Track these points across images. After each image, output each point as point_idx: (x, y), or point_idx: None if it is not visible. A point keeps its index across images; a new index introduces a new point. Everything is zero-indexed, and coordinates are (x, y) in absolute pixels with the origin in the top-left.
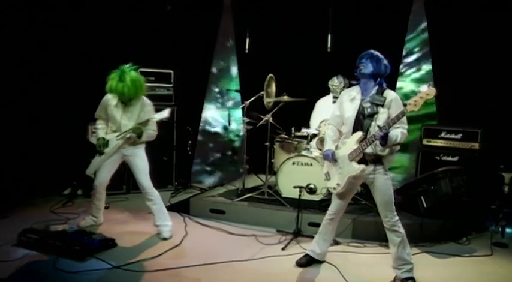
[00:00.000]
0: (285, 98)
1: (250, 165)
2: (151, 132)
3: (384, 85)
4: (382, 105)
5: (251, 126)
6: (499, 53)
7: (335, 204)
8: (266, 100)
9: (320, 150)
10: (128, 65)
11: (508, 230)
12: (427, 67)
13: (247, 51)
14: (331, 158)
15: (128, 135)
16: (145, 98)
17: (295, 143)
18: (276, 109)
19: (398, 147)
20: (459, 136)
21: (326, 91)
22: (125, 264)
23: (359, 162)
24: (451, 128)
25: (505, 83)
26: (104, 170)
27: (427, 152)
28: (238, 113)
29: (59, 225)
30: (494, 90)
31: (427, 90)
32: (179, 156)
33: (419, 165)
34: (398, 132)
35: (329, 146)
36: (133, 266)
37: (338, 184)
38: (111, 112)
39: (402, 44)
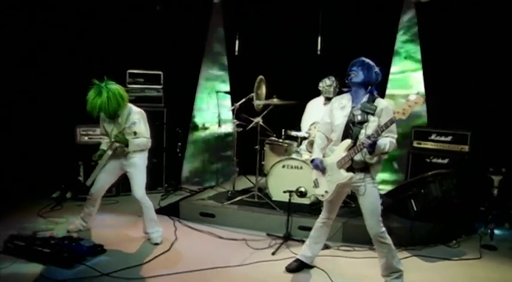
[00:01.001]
0: (275, 100)
1: (241, 167)
2: (141, 140)
3: (375, 93)
4: (373, 114)
5: (241, 129)
6: (490, 56)
7: (327, 209)
8: (256, 102)
9: (310, 152)
10: (104, 81)
11: (496, 232)
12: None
13: (236, 53)
14: (320, 166)
15: (114, 146)
16: (132, 107)
17: (285, 145)
18: (266, 112)
19: (385, 156)
20: (449, 138)
21: (316, 93)
22: (113, 271)
23: (347, 170)
24: (441, 130)
25: (495, 86)
26: (102, 179)
27: (417, 154)
28: (228, 115)
29: (47, 231)
30: (484, 93)
31: (416, 99)
32: (169, 158)
33: (410, 167)
34: (387, 141)
35: (317, 154)
36: (123, 273)
37: (326, 192)
38: (105, 127)
39: (392, 46)
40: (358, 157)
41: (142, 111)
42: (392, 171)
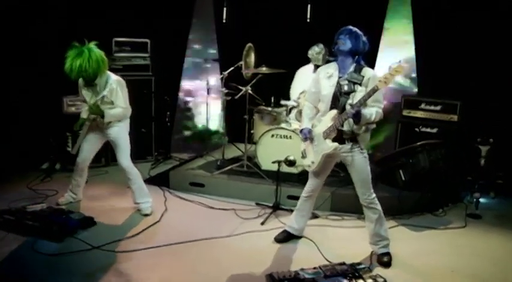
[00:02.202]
0: (264, 69)
1: (230, 136)
2: (117, 110)
3: (362, 62)
4: (360, 84)
5: (230, 97)
6: (482, 26)
7: (311, 182)
8: (244, 71)
9: (300, 122)
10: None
11: (482, 200)
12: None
13: (224, 21)
14: (307, 135)
15: (91, 116)
16: (111, 75)
17: (275, 114)
18: (254, 80)
19: (373, 126)
20: (439, 108)
21: (306, 61)
22: (104, 244)
23: (336, 140)
24: (430, 99)
25: (485, 57)
26: (86, 147)
27: (406, 123)
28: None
29: (37, 204)
30: (474, 64)
31: (397, 67)
32: (158, 127)
33: (399, 136)
34: (373, 111)
35: (305, 124)
36: (113, 246)
37: (313, 162)
38: (83, 94)
39: (383, 15)
40: (346, 127)
41: (121, 79)
42: None
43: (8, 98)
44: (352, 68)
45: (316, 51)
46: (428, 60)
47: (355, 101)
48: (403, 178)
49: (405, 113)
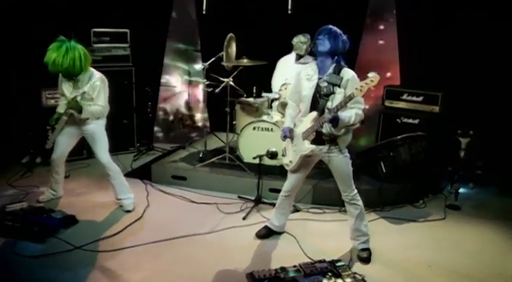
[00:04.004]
0: (245, 61)
1: (212, 126)
2: (95, 107)
3: (342, 63)
4: (339, 85)
5: (211, 89)
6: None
7: (290, 181)
8: (225, 63)
9: (282, 114)
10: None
11: (461, 190)
12: None
13: (204, 12)
14: (288, 134)
15: (68, 111)
16: (94, 71)
17: (256, 105)
18: (236, 72)
19: (356, 126)
20: (420, 98)
21: (287, 52)
22: (86, 243)
23: (315, 141)
24: (412, 90)
25: (468, 50)
26: (61, 144)
27: (388, 113)
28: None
29: (17, 203)
30: (455, 56)
31: (372, 77)
32: (140, 119)
33: (381, 126)
34: (352, 113)
35: (288, 123)
36: (95, 245)
37: (291, 161)
38: (63, 88)
39: (366, 5)
40: (325, 129)
41: (104, 77)
42: None
43: None
44: (331, 69)
45: (301, 40)
46: (410, 51)
47: (334, 103)
48: (384, 170)
49: (387, 103)
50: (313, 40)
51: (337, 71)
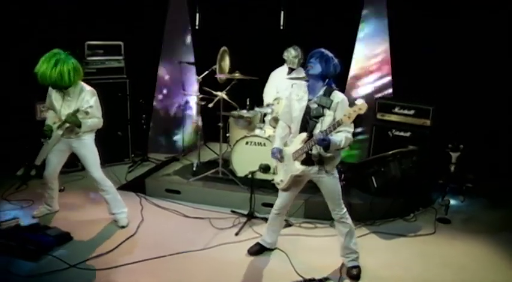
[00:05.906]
0: (237, 75)
1: (206, 137)
2: (93, 120)
3: (333, 85)
4: (329, 108)
5: (204, 102)
6: (456, 31)
7: (281, 199)
8: (218, 76)
9: (274, 128)
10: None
11: (452, 202)
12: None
13: (197, 27)
14: (277, 155)
15: (65, 126)
16: (84, 85)
17: (249, 119)
18: (228, 87)
19: (343, 149)
20: (412, 112)
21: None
22: (80, 261)
23: (305, 162)
24: (404, 103)
25: (459, 63)
26: (52, 161)
27: (380, 126)
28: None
29: (12, 220)
30: (448, 69)
31: (360, 105)
32: (134, 130)
33: (373, 139)
34: (342, 137)
35: (277, 143)
36: (90, 263)
37: (282, 180)
38: (53, 101)
39: (358, 21)
40: (314, 151)
41: (94, 90)
42: None
43: None
44: (321, 92)
45: (292, 54)
46: (403, 64)
47: (324, 125)
48: (375, 185)
49: (379, 116)
50: (305, 63)
51: (328, 93)
